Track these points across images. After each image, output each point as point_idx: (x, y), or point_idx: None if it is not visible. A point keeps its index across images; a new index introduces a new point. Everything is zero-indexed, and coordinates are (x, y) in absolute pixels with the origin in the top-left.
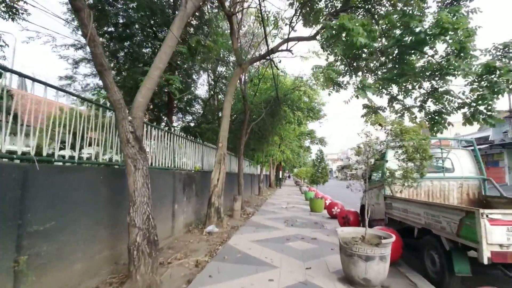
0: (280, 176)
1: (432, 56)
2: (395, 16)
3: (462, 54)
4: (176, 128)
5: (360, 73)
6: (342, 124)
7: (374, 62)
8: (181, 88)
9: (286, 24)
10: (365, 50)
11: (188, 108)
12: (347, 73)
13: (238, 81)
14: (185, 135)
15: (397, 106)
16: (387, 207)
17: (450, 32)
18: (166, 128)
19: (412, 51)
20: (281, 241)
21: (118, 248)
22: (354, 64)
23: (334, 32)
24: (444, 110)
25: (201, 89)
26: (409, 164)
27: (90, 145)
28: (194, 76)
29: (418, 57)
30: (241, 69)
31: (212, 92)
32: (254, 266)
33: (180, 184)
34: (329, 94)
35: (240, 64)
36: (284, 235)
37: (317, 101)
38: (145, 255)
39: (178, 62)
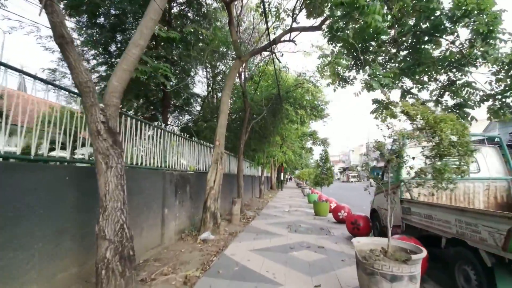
0: (282, 178)
1: (453, 42)
2: None
3: (488, 39)
4: (172, 126)
5: (367, 68)
6: (343, 125)
7: (383, 55)
8: (175, 82)
9: (288, 16)
10: (374, 42)
11: (186, 107)
12: (354, 67)
13: (238, 77)
14: (178, 132)
15: (411, 101)
16: (405, 212)
17: (474, 13)
18: (156, 123)
19: (430, 38)
20: (285, 250)
21: (90, 263)
22: (361, 58)
23: (345, 11)
24: (465, 104)
25: (201, 87)
26: (439, 161)
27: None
28: (191, 73)
29: (434, 46)
30: (240, 62)
31: (210, 89)
32: (253, 283)
33: (171, 186)
34: (335, 90)
35: (239, 57)
36: (287, 243)
37: (321, 99)
38: (116, 275)
39: (175, 58)
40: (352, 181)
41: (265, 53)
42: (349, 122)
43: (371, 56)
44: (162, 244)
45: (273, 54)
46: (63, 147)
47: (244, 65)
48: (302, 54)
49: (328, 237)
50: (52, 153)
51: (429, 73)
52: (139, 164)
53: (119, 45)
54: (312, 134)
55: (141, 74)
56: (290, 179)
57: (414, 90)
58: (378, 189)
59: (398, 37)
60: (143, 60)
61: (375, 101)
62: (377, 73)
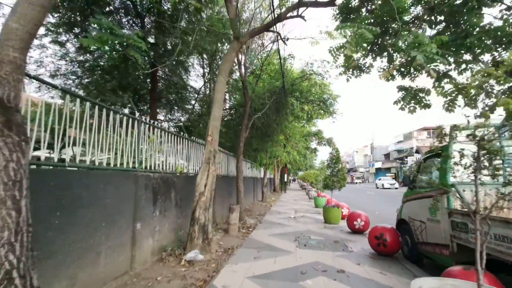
0: (285, 180)
1: (509, 9)
2: None
3: None
4: (166, 123)
5: (385, 54)
6: (347, 125)
7: (415, 28)
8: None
9: None
10: (396, 24)
11: (180, 102)
12: (370, 53)
13: (237, 66)
14: (160, 125)
15: (447, 87)
16: (456, 227)
17: None
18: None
19: (477, 4)
20: (294, 277)
21: None
22: (379, 41)
23: None
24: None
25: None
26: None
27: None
28: (183, 57)
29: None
30: (238, 43)
31: (206, 79)
32: None
33: (147, 193)
34: (348, 80)
35: (237, 37)
36: (297, 264)
37: (329, 93)
38: None
39: (168, 46)
40: (356, 183)
41: (268, 45)
42: (353, 122)
43: (392, 40)
44: (132, 270)
45: (278, 35)
46: None
47: (244, 50)
48: (309, 43)
49: (346, 254)
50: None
51: (478, 49)
52: (96, 164)
53: None
54: (317, 133)
55: (99, 43)
56: (294, 180)
57: (454, 73)
58: (408, 194)
59: (435, 4)
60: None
61: (401, 88)
62: (420, 40)
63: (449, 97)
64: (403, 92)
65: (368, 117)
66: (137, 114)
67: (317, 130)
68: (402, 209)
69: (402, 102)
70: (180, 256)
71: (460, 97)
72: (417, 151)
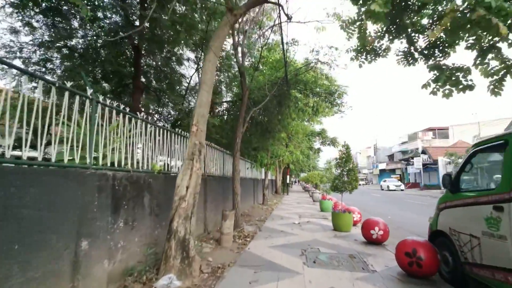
0: (288, 181)
1: None
2: None
3: None
4: (154, 117)
5: (404, 35)
6: (349, 126)
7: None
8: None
9: None
10: None
11: (166, 90)
12: (387, 34)
13: (233, 49)
14: (127, 110)
15: (493, 63)
16: None
17: None
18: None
19: None
20: None
21: None
22: (398, 20)
23: None
24: None
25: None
26: None
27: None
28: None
29: None
30: (232, 16)
31: (199, 66)
32: None
33: (103, 198)
34: (360, 66)
35: (230, 9)
36: None
37: (336, 86)
38: None
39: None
40: (360, 184)
41: (268, 28)
42: (356, 122)
43: (414, 18)
44: None
45: (280, 8)
46: None
47: (242, 29)
48: (315, 29)
49: (368, 276)
50: None
51: None
52: (7, 156)
53: None
54: (321, 133)
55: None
56: (297, 182)
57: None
58: (448, 199)
59: None
60: None
61: (433, 67)
62: None
63: (495, 77)
64: (435, 72)
65: (371, 117)
66: (104, 100)
67: (321, 129)
68: (438, 218)
69: (434, 85)
70: (151, 283)
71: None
72: (424, 152)
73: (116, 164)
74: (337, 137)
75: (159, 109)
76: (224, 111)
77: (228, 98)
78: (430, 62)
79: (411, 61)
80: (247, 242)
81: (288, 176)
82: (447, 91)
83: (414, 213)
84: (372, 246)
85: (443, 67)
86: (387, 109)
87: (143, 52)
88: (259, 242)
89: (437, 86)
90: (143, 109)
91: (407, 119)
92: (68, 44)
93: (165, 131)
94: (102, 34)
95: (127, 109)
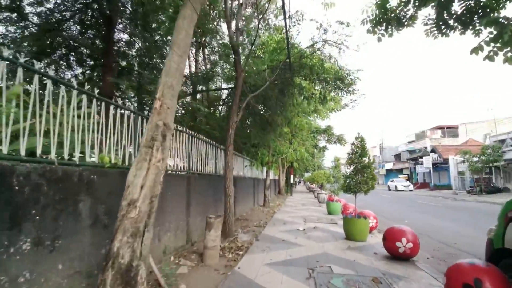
0: (292, 181)
1: None
2: None
3: None
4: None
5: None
6: (353, 123)
7: None
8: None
9: None
10: None
11: (145, 70)
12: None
13: (225, 21)
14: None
15: None
16: None
17: None
18: None
19: None
20: None
21: None
22: None
23: None
24: None
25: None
26: None
27: None
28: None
29: None
30: None
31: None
32: None
33: None
34: (379, 40)
35: None
36: None
37: (346, 71)
38: None
39: None
40: None
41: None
42: (360, 121)
43: None
44: None
45: None
46: None
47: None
48: (322, 4)
49: None
50: None
51: None
52: None
53: None
54: (327, 129)
55: None
56: (303, 182)
57: None
58: None
59: None
60: None
61: (490, 22)
62: None
63: None
64: (490, 32)
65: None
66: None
67: (327, 125)
68: (506, 232)
69: (490, 47)
70: None
71: None
72: (433, 151)
73: (22, 152)
74: (344, 134)
75: (142, 96)
76: (218, 100)
77: (224, 86)
78: (469, 30)
79: (445, 29)
80: (239, 256)
81: (292, 176)
82: (510, 54)
83: (433, 216)
84: (399, 263)
85: (505, 21)
86: (391, 108)
87: (118, 27)
88: (254, 258)
89: (495, 48)
90: (118, 94)
91: (413, 118)
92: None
93: (121, 109)
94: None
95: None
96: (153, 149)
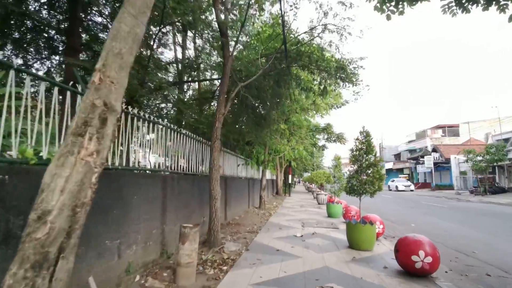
0: (290, 181)
1: None
2: None
3: None
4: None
5: None
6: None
7: None
8: None
9: None
10: None
11: None
12: None
13: (213, 3)
14: None
15: None
16: None
17: None
18: None
19: None
20: None
21: None
22: None
23: None
24: None
25: None
26: None
27: None
28: None
29: None
30: None
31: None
32: None
33: None
34: (389, 17)
35: None
36: None
37: (349, 59)
38: None
39: None
40: None
41: None
42: (358, 120)
43: None
44: None
45: None
46: None
47: None
48: None
49: None
50: None
51: None
52: None
53: None
54: (326, 128)
55: None
56: (300, 182)
57: None
58: None
59: None
60: None
61: None
62: None
63: None
64: None
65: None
66: None
67: (326, 124)
68: None
69: None
70: None
71: None
72: (435, 150)
73: None
74: (343, 132)
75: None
76: (209, 93)
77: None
78: (493, 5)
79: (466, 3)
80: (222, 273)
81: (290, 176)
82: None
83: (440, 218)
84: (415, 282)
85: None
86: (391, 107)
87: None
88: (240, 275)
89: None
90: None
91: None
92: None
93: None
94: None
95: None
96: (84, 137)
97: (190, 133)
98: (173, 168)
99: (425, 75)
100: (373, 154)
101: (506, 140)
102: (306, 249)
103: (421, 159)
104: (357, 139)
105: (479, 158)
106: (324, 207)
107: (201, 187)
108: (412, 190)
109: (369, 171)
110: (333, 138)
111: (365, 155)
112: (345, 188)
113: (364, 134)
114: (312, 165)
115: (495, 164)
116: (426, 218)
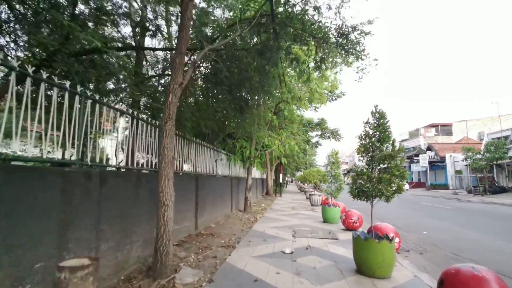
0: (281, 181)
1: None
2: None
3: None
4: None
5: None
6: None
7: None
8: None
9: None
10: None
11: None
12: None
13: None
14: None
15: None
16: None
17: None
18: None
19: None
20: None
21: None
22: None
23: None
24: None
25: None
26: None
27: None
28: None
29: None
30: None
31: None
32: None
33: None
34: None
35: None
36: None
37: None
38: None
39: None
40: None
41: None
42: (350, 119)
43: None
44: None
45: None
46: None
47: None
48: None
49: None
50: None
51: None
52: None
53: None
54: (320, 123)
55: None
56: (295, 181)
57: None
58: None
59: None
60: None
61: None
62: None
63: None
64: None
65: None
66: None
67: (320, 118)
68: None
69: None
70: None
71: None
72: (429, 149)
73: None
74: (339, 128)
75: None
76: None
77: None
78: None
79: None
80: None
81: (281, 175)
82: None
83: (452, 223)
84: None
85: None
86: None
87: None
88: None
89: None
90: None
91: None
92: None
93: None
94: None
95: None
96: None
97: (122, 109)
98: (87, 160)
99: (417, 73)
100: (390, 142)
101: (506, 137)
102: (298, 278)
103: (415, 158)
104: (367, 122)
105: (479, 156)
106: (318, 209)
107: (153, 189)
108: (407, 190)
109: (384, 166)
110: (327, 135)
111: (378, 144)
112: (351, 190)
113: (377, 116)
114: (304, 163)
115: (494, 162)
116: (435, 222)
